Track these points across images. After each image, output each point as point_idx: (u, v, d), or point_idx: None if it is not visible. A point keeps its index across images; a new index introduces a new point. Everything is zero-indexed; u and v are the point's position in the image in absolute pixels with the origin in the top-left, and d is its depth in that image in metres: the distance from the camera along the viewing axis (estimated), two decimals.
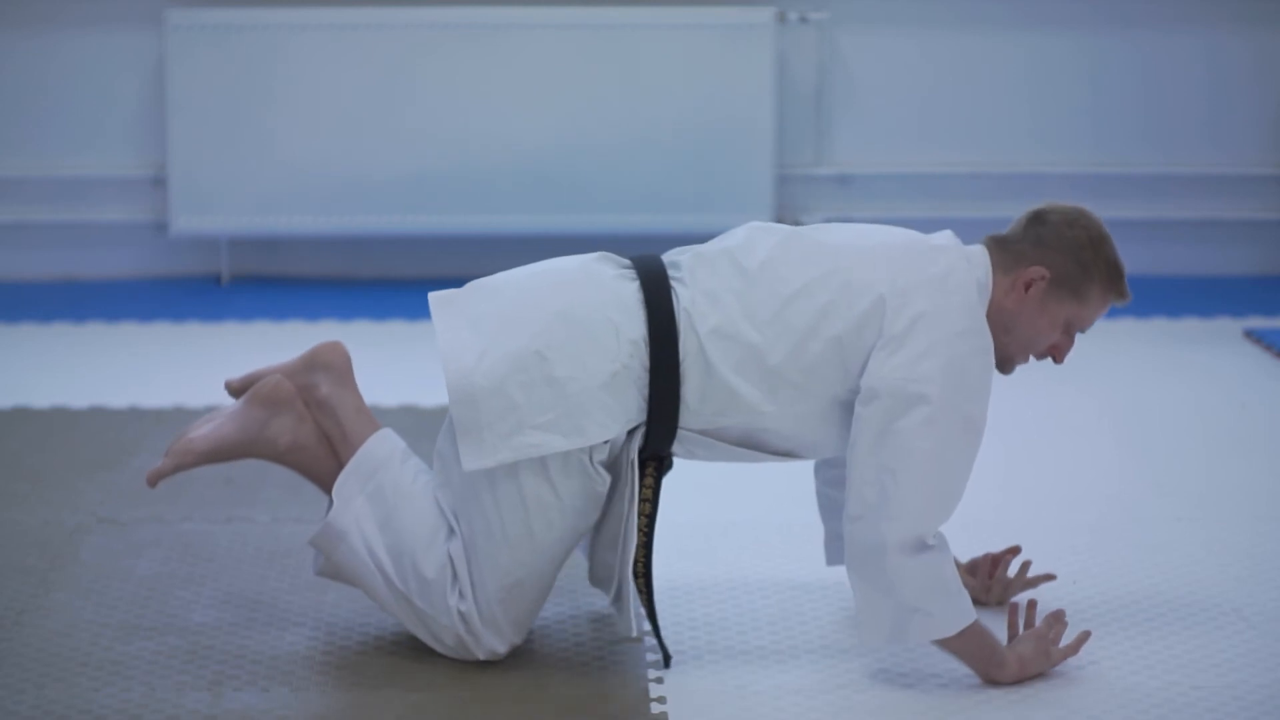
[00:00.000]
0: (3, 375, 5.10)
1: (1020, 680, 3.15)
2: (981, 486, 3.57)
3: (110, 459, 4.31)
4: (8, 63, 6.09)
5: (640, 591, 3.21)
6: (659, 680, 3.16)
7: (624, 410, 3.13)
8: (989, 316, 3.18)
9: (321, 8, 6.02)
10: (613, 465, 3.19)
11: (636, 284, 3.18)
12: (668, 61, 6.03)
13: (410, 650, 3.25)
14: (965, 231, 3.38)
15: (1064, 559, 3.66)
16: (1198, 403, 4.90)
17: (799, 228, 3.28)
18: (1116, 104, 6.20)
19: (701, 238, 3.41)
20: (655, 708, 3.06)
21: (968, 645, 3.13)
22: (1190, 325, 5.69)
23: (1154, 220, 6.28)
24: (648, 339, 3.13)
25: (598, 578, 3.37)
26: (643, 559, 3.20)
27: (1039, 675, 3.16)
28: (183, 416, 4.62)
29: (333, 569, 3.28)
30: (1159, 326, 5.68)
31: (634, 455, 3.16)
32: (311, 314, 5.77)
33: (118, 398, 4.84)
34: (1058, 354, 3.26)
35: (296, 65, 6.01)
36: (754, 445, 3.20)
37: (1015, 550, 3.48)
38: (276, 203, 6.06)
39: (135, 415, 4.69)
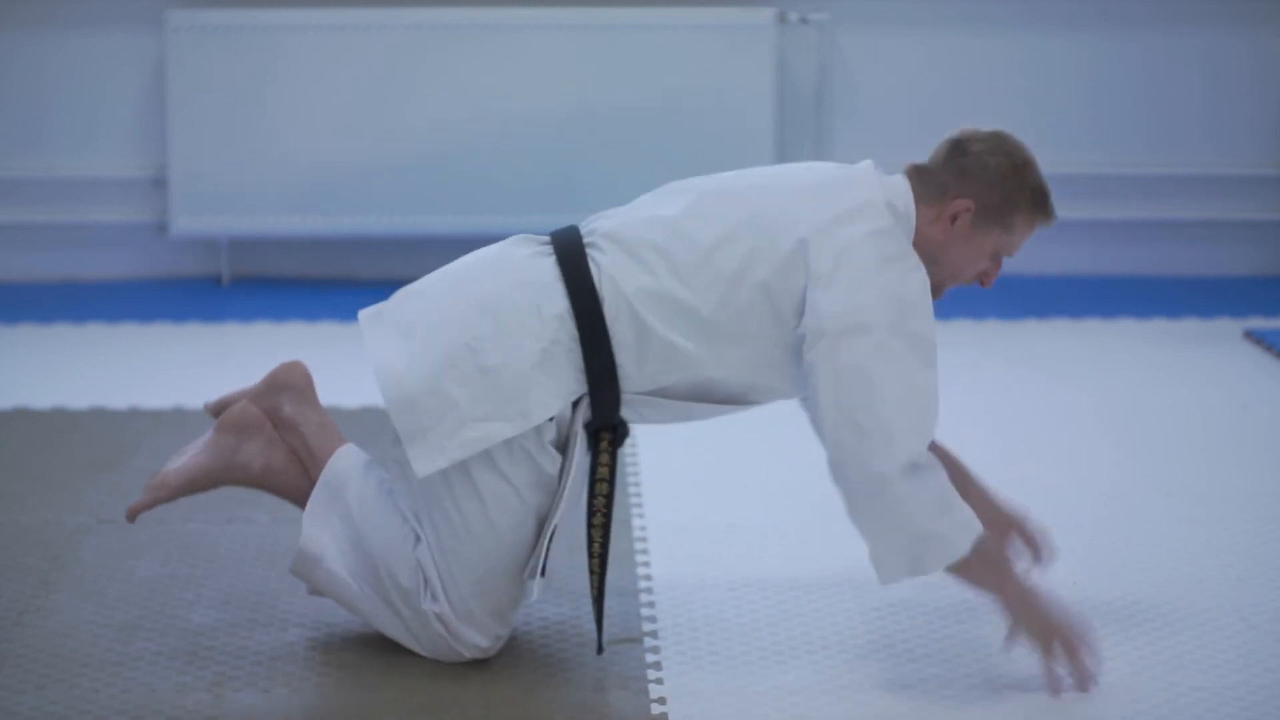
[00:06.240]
0: (3, 376, 5.09)
1: (1031, 604, 3.07)
2: None
3: (110, 460, 4.31)
4: (8, 63, 6.09)
5: (592, 573, 3.20)
6: (659, 681, 3.16)
7: (562, 385, 3.14)
8: (915, 246, 3.16)
9: (321, 8, 6.02)
10: (563, 443, 3.19)
11: (553, 259, 3.20)
12: (668, 62, 6.03)
13: (410, 651, 3.25)
14: None
15: (1064, 559, 3.65)
16: (1198, 403, 4.90)
17: (714, 176, 3.29)
18: (1116, 104, 6.20)
19: None
20: (655, 708, 3.07)
21: (981, 563, 3.09)
22: (1190, 325, 5.68)
23: (1154, 220, 6.28)
24: (571, 310, 3.14)
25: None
26: (600, 540, 3.19)
27: (1053, 623, 3.09)
28: (183, 417, 4.62)
29: (320, 590, 3.31)
30: (1159, 326, 5.68)
31: (579, 427, 3.16)
32: (311, 314, 5.77)
33: (118, 399, 4.84)
34: (985, 280, 3.24)
35: (296, 65, 6.01)
36: (703, 397, 3.19)
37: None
38: (276, 203, 6.06)
39: (135, 416, 4.69)
